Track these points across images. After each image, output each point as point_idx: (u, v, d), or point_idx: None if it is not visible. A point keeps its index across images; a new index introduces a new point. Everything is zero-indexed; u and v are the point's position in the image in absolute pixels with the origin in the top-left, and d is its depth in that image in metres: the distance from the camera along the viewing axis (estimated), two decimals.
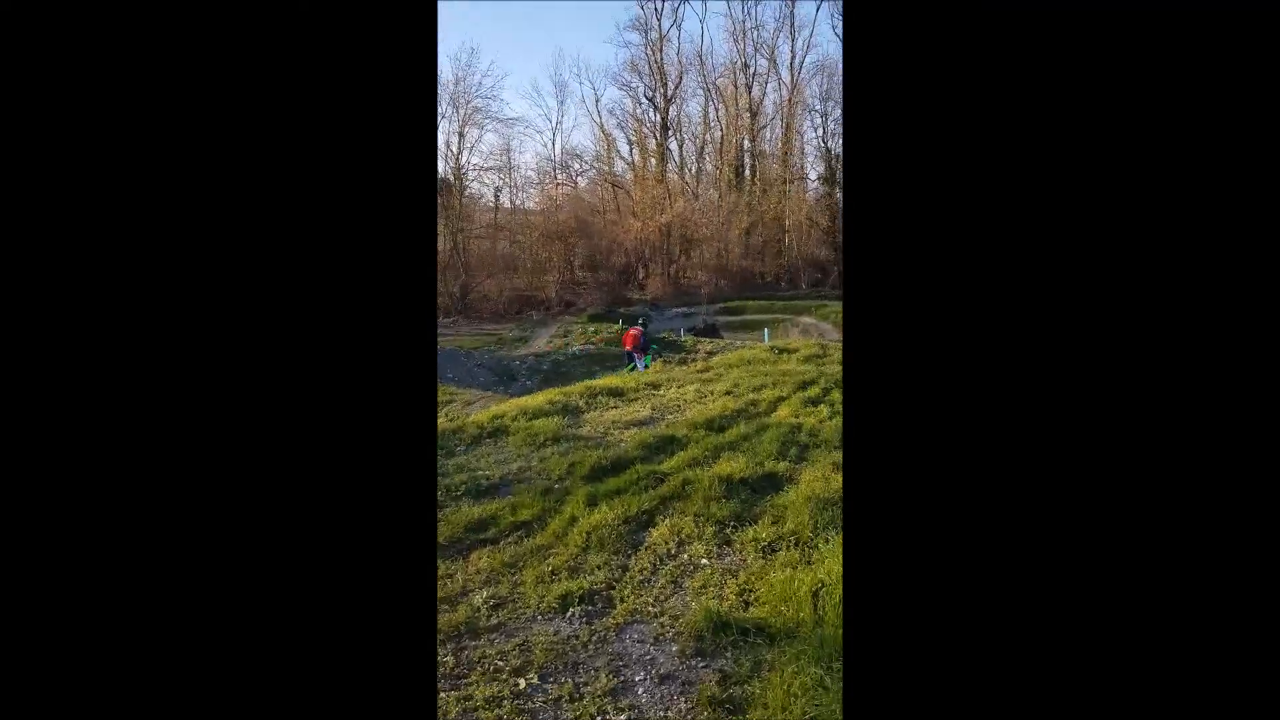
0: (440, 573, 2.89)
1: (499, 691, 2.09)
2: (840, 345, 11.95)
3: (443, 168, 19.64)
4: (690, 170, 35.33)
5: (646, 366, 10.15)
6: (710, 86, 34.22)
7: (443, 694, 2.09)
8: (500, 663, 2.24)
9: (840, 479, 3.81)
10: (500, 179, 32.63)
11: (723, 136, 33.99)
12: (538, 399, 6.44)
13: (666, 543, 3.09)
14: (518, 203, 32.95)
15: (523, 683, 2.14)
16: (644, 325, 11.83)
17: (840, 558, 2.64)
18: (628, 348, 10.90)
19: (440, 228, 18.86)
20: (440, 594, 2.70)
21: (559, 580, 2.77)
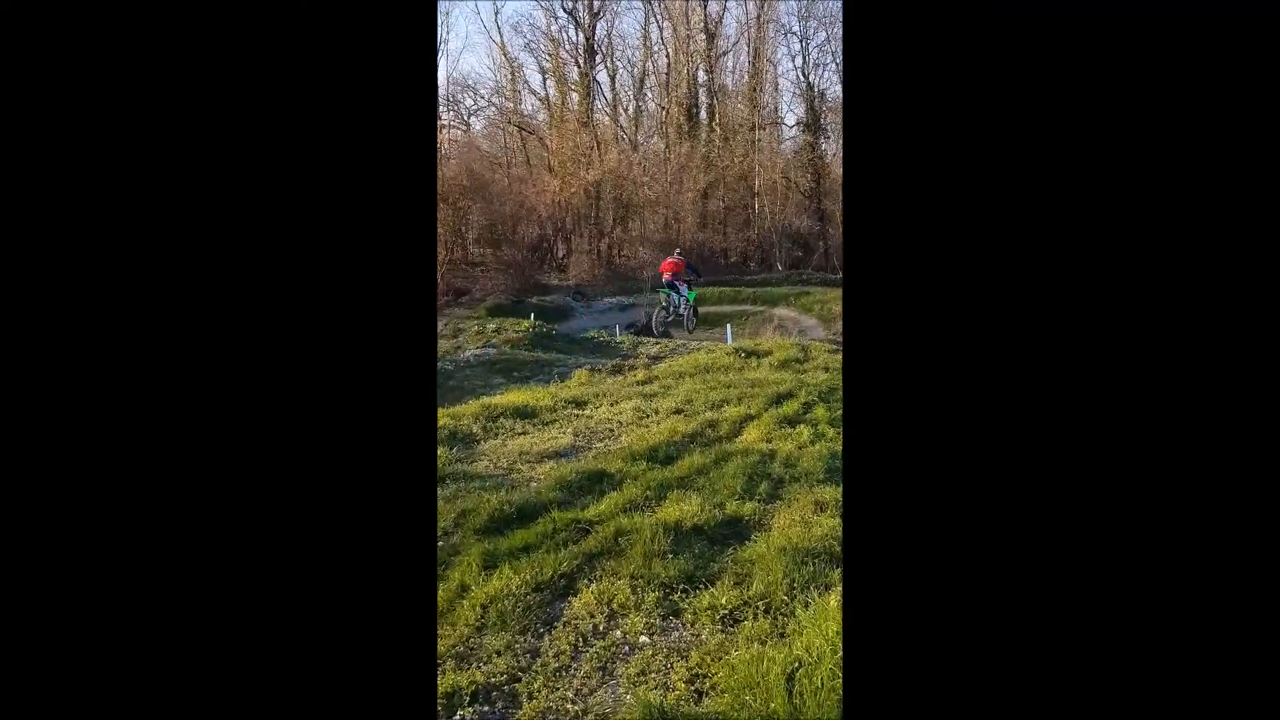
0: None
1: None
2: (827, 346, 12.32)
3: None
4: (626, 110, 35.61)
5: (691, 302, 11.69)
6: None
7: None
8: None
9: (825, 522, 3.93)
10: None
11: (669, 65, 34.40)
12: None
13: (592, 616, 3.11)
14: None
15: None
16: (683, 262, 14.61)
17: (821, 627, 2.73)
18: (666, 276, 12.57)
19: None
20: None
21: (443, 673, 2.75)
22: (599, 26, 34.31)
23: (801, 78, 34.30)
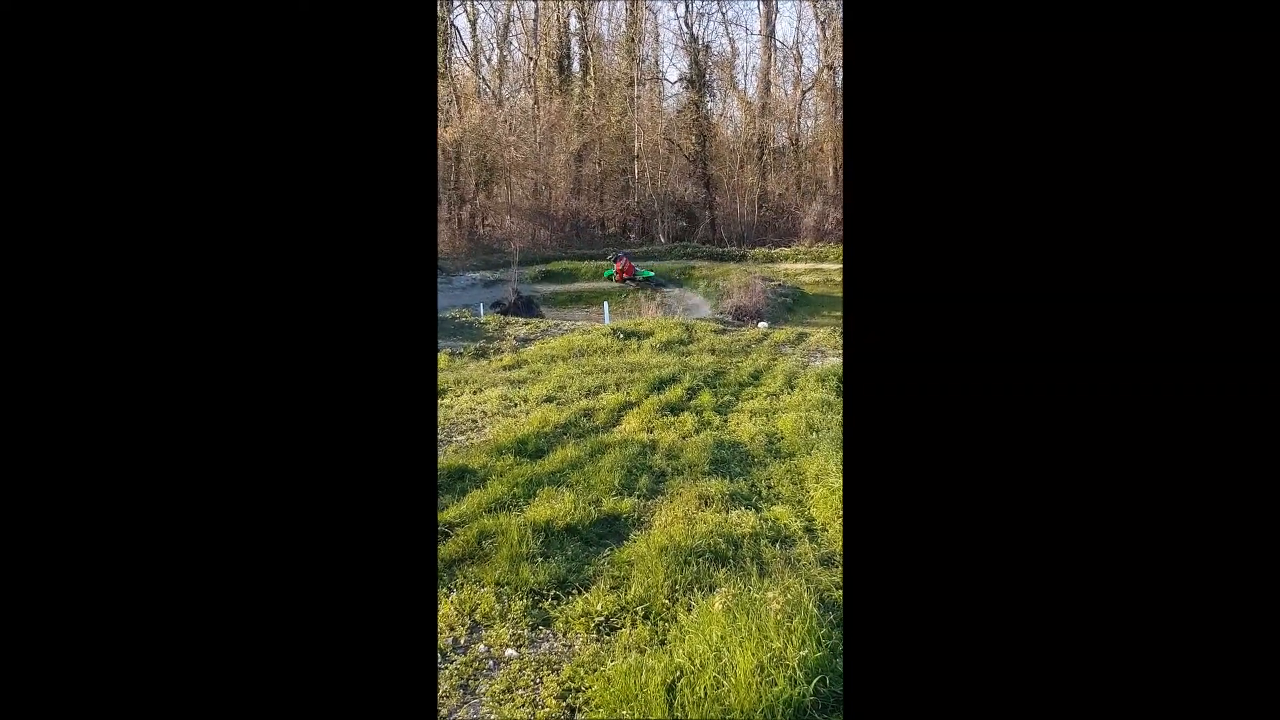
0: None
1: None
2: (713, 326, 12.59)
3: None
4: (490, 61, 35.00)
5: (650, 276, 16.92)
6: None
7: None
8: None
9: (710, 518, 4.04)
10: None
11: (538, 10, 34.05)
12: None
13: (453, 629, 3.09)
14: None
15: None
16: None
17: (705, 632, 2.81)
18: (624, 278, 16.51)
19: None
20: None
21: None
22: None
23: (684, 28, 34.64)
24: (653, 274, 22.76)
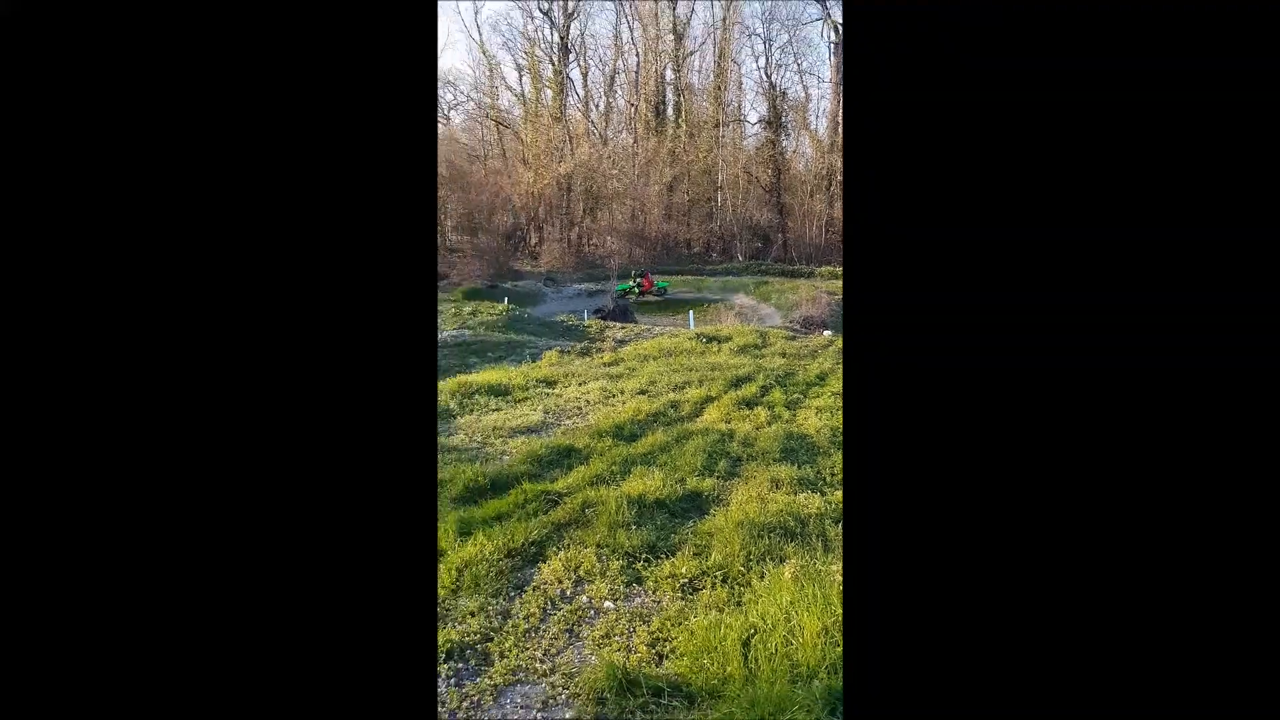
0: None
1: None
2: (784, 333, 12.40)
3: None
4: (597, 106, 35.35)
5: (664, 287, 16.43)
6: None
7: None
8: None
9: (780, 498, 3.97)
10: None
11: (639, 64, 34.23)
12: None
13: (560, 582, 3.11)
14: None
15: None
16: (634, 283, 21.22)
17: (776, 597, 2.76)
18: (647, 286, 16.67)
19: None
20: None
21: None
22: (573, 26, 34.01)
23: (764, 78, 34.44)
24: (667, 284, 23.10)
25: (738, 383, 7.24)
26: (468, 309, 17.86)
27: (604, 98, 35.32)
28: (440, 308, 17.30)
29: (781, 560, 3.16)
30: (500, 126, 33.34)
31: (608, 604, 2.97)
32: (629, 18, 34.34)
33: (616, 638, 2.72)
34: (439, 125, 32.56)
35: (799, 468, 4.68)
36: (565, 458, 4.74)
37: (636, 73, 34.28)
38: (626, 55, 34.68)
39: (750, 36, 35.32)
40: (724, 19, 33.50)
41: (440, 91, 34.08)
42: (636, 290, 21.71)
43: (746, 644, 2.54)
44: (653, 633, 2.73)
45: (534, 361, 9.68)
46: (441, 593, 3.00)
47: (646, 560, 3.28)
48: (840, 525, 3.68)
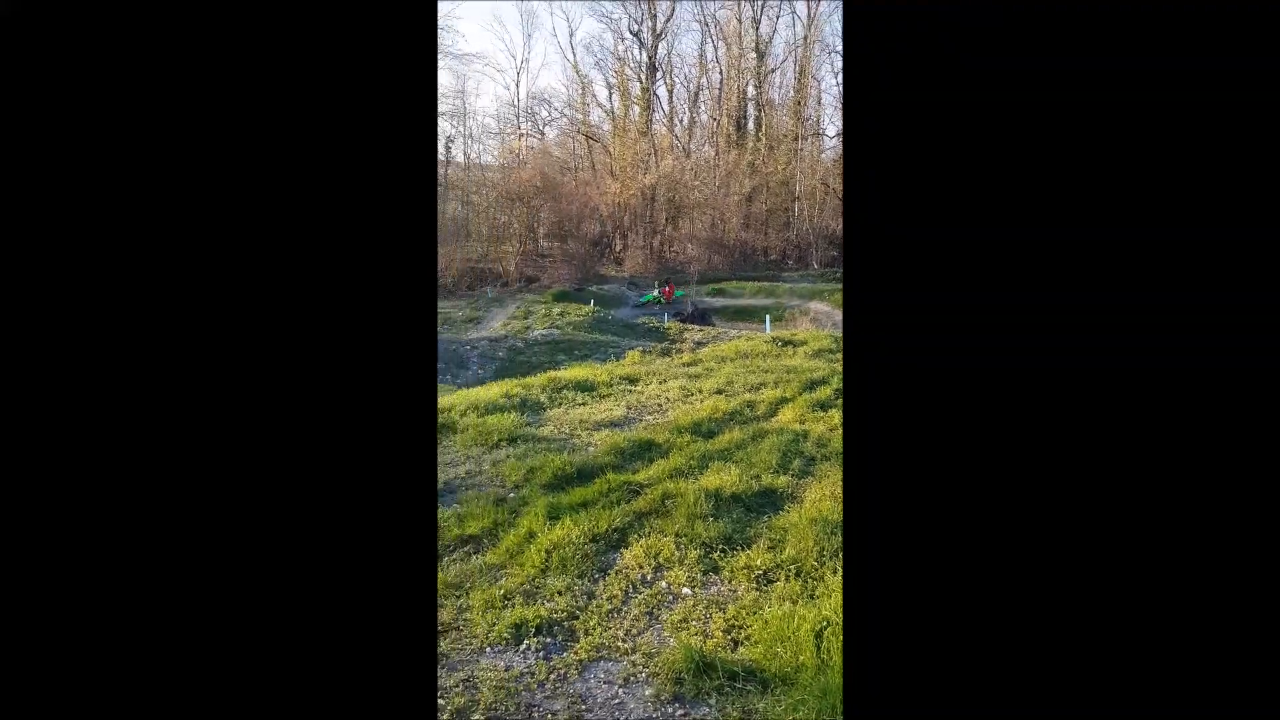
0: None
1: None
2: None
3: None
4: (682, 121, 35.33)
5: (681, 295, 15.87)
6: (709, 20, 34.21)
7: None
8: (441, 700, 2.26)
9: None
10: (453, 127, 32.24)
11: (722, 81, 34.04)
12: (492, 391, 6.44)
13: (641, 567, 3.13)
14: (473, 156, 32.61)
15: None
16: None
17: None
18: (670, 297, 16.14)
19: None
20: None
21: (512, 607, 2.79)
22: (660, 46, 34.08)
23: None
24: (683, 293, 22.92)
25: (812, 385, 7.12)
26: (557, 310, 18.16)
27: (688, 113, 35.29)
28: (531, 308, 17.65)
29: None
30: (590, 141, 33.73)
31: (685, 590, 2.97)
32: (714, 37, 34.23)
33: (694, 623, 2.72)
34: (535, 140, 33.22)
35: None
36: (646, 451, 4.76)
37: (720, 89, 34.13)
38: (710, 73, 34.57)
39: (830, 54, 34.56)
40: (805, 37, 33.01)
41: (535, 108, 34.73)
42: (660, 300, 21.68)
43: (819, 635, 2.50)
44: (728, 620, 2.71)
45: (618, 360, 9.76)
46: (531, 571, 3.07)
47: (723, 551, 3.27)
48: None
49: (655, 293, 22.44)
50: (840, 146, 34.10)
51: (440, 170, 31.96)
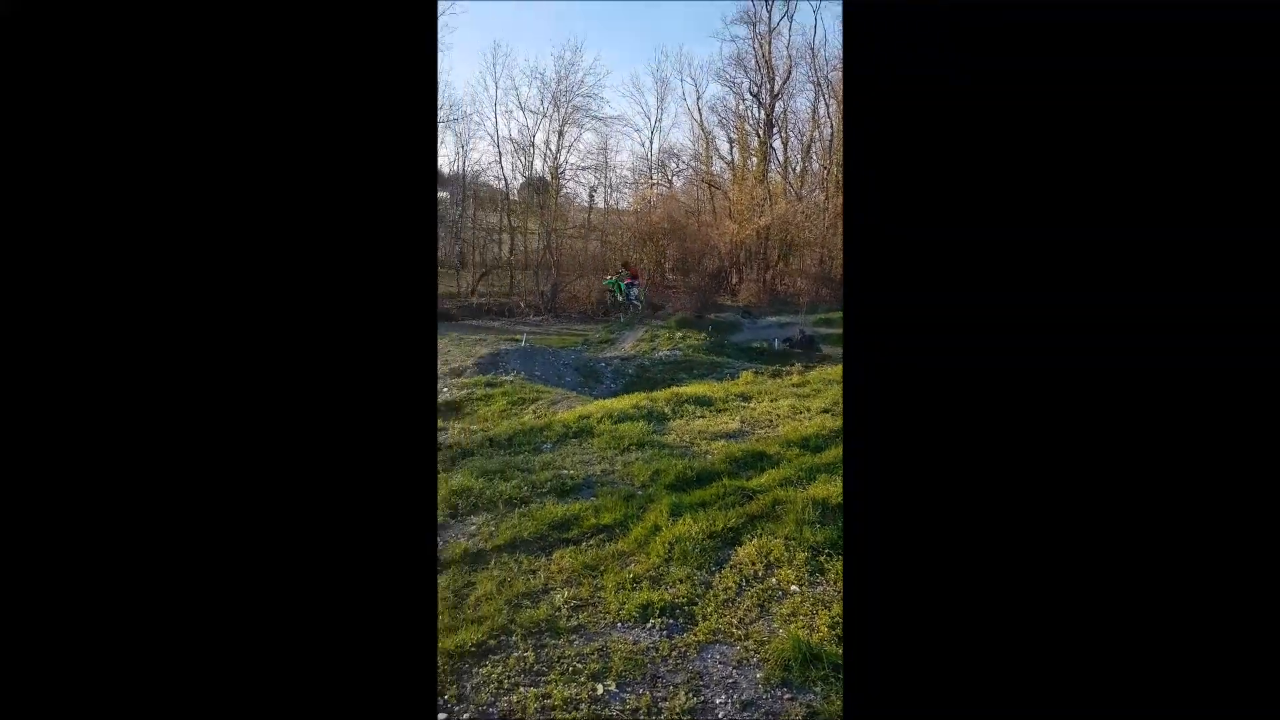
0: (524, 567, 3.02)
1: (577, 694, 2.16)
2: None
3: (540, 166, 20.65)
4: (795, 170, 34.77)
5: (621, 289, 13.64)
6: (822, 80, 33.56)
7: (521, 690, 2.19)
8: (579, 665, 2.31)
9: None
10: (596, 178, 33.27)
11: (833, 134, 33.20)
12: (623, 402, 6.54)
13: (754, 563, 3.07)
14: (611, 202, 33.49)
15: (600, 689, 2.20)
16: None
17: None
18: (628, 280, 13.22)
19: (535, 226, 19.46)
20: (522, 589, 2.82)
21: (640, 589, 2.81)
22: (777, 105, 33.78)
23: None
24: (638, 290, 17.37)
25: None
26: (679, 334, 18.21)
27: (801, 162, 34.65)
28: (657, 333, 17.81)
29: None
30: (713, 188, 33.79)
31: (794, 588, 2.88)
32: (825, 97, 33.58)
33: (801, 617, 2.63)
34: (664, 189, 33.71)
35: None
36: (758, 461, 4.68)
37: (830, 141, 33.33)
38: (822, 127, 33.78)
39: None
40: None
41: (666, 161, 35.21)
42: (621, 288, 16.20)
43: None
44: (833, 617, 2.60)
45: (733, 379, 9.65)
46: (656, 560, 3.08)
47: (829, 555, 3.14)
48: None
49: (613, 277, 16.78)
50: None
51: (584, 215, 33.00)
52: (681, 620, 2.63)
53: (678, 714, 2.10)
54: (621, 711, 2.10)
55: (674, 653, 2.41)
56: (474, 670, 2.31)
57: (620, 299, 14.78)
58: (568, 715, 2.08)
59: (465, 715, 2.12)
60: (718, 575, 2.98)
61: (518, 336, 10.63)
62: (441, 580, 2.94)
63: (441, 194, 18.66)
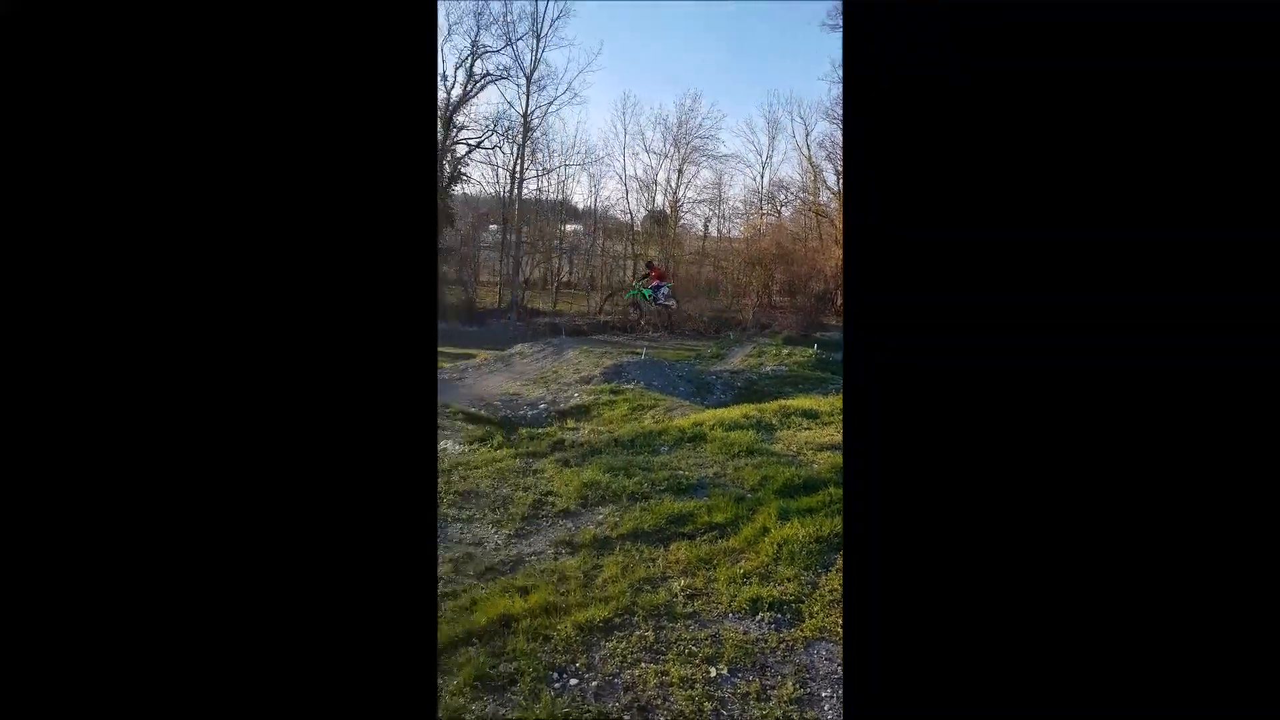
0: (644, 555, 3.07)
1: (692, 674, 2.16)
2: None
3: (661, 201, 21.17)
4: None
5: (648, 296, 11.32)
6: None
7: (642, 665, 2.22)
8: (694, 648, 2.31)
9: None
10: (710, 210, 33.35)
11: None
12: (733, 412, 6.48)
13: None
14: (724, 231, 33.41)
15: (713, 671, 2.19)
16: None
17: None
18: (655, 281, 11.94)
19: (655, 252, 19.85)
20: (643, 574, 2.87)
21: (750, 584, 2.77)
22: None
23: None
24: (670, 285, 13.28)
25: None
26: (785, 351, 17.76)
27: None
28: (764, 349, 17.48)
29: None
30: (819, 217, 32.85)
31: None
32: None
33: None
34: (773, 218, 33.16)
35: None
36: None
37: None
38: None
39: None
40: None
41: (775, 193, 34.65)
42: (647, 294, 12.83)
43: None
44: None
45: (837, 394, 9.28)
46: (765, 559, 3.02)
47: None
48: None
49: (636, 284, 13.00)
50: None
51: (699, 243, 33.05)
52: (789, 616, 2.56)
53: (785, 702, 2.04)
54: (733, 693, 2.08)
55: (782, 645, 2.35)
56: (601, 643, 2.37)
57: (650, 304, 11.66)
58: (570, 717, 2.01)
59: (595, 682, 2.18)
60: (824, 577, 2.87)
61: (638, 350, 10.84)
62: (573, 561, 3.05)
63: (576, 226, 19.46)
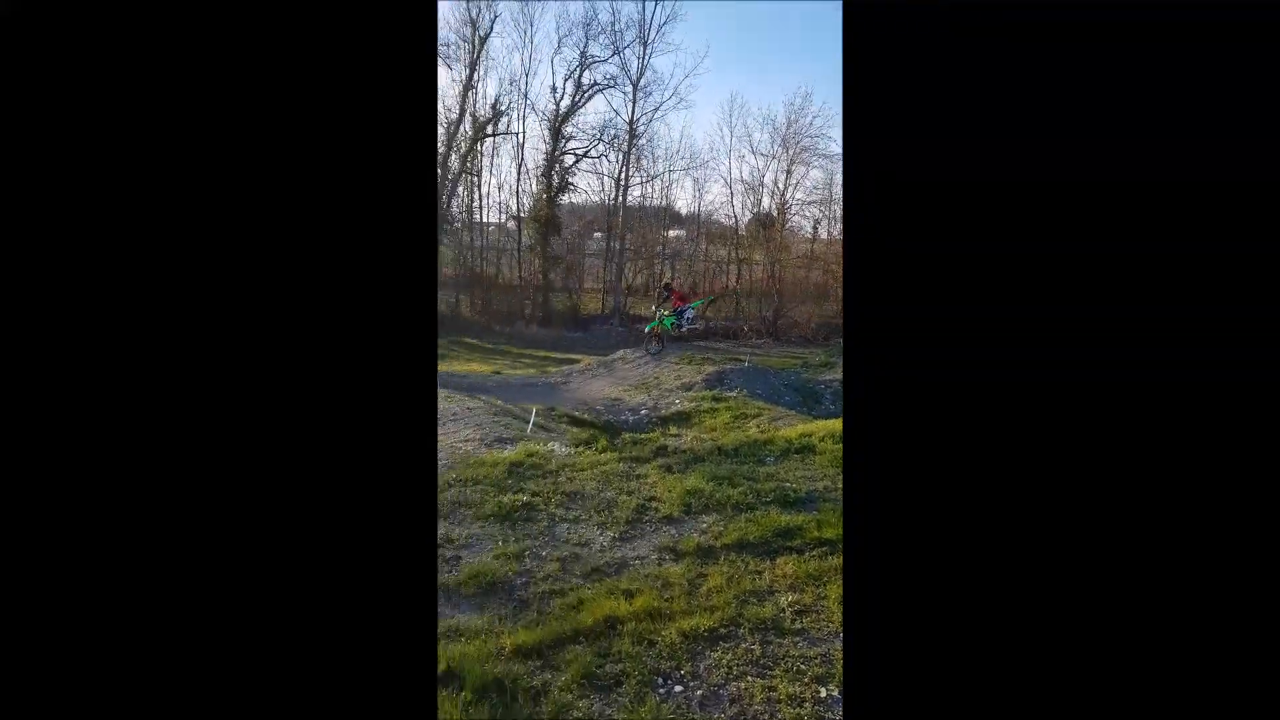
0: (750, 568, 3.03)
1: (801, 693, 2.11)
2: None
3: (768, 203, 20.81)
4: None
5: (670, 326, 10.56)
6: None
7: (748, 679, 2.19)
8: (803, 666, 2.26)
9: None
10: (821, 211, 32.33)
11: None
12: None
13: None
14: (835, 234, 32.32)
15: (824, 691, 2.12)
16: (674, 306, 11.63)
17: None
18: (677, 304, 11.06)
19: (760, 257, 19.58)
20: (749, 587, 2.84)
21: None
22: None
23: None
24: (697, 304, 11.83)
25: None
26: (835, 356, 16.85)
27: None
28: (814, 349, 16.72)
29: None
30: None
31: None
32: None
33: None
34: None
35: None
36: None
37: None
38: None
39: None
40: None
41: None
42: (670, 324, 10.91)
43: None
44: None
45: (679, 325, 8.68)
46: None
47: None
48: None
49: (660, 312, 11.09)
50: None
51: (807, 245, 32.16)
52: None
53: None
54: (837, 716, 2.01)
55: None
56: (706, 653, 2.37)
57: (675, 333, 10.79)
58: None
59: (700, 691, 2.18)
60: None
61: (741, 357, 10.70)
62: (677, 568, 3.07)
63: (679, 231, 19.59)
